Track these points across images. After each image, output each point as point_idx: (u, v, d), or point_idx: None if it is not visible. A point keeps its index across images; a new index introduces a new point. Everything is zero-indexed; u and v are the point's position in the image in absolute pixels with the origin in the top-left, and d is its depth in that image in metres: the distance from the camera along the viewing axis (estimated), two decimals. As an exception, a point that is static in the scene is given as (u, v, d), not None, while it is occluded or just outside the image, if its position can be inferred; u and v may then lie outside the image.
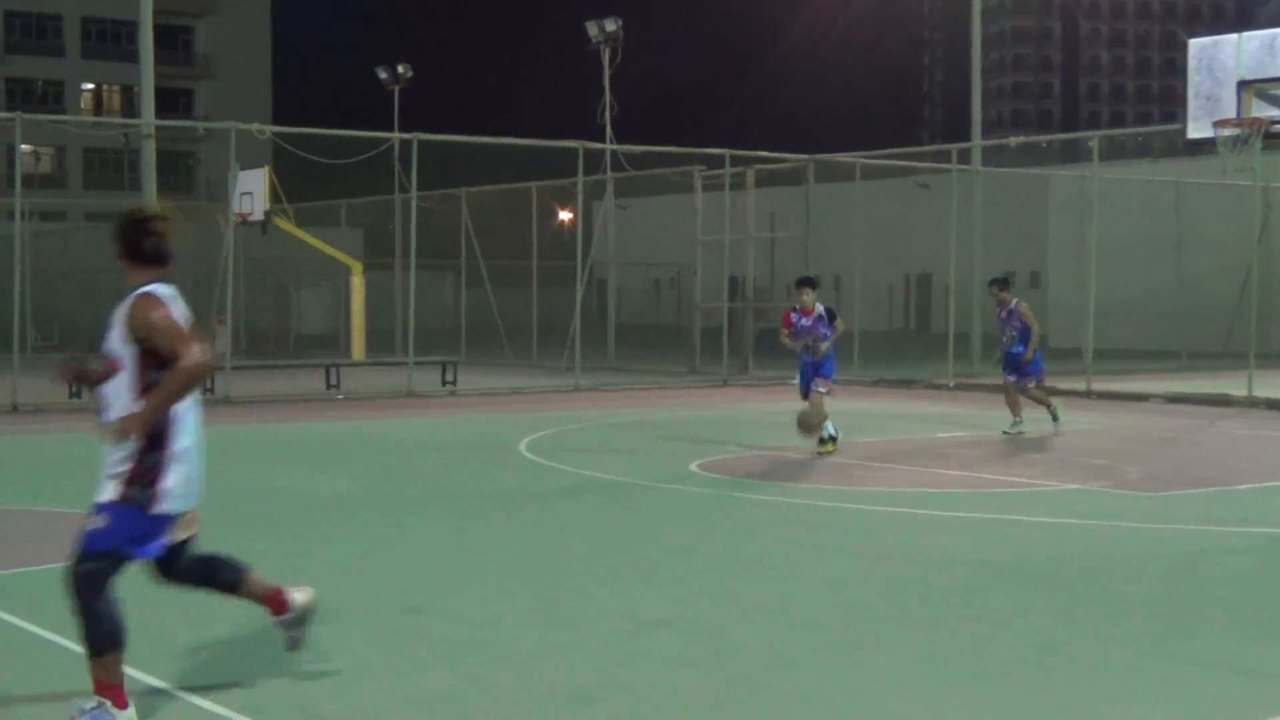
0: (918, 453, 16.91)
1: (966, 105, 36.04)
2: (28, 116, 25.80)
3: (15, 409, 22.64)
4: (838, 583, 9.18)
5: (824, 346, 16.35)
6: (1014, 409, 18.84)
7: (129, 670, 6.13)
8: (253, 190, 29.56)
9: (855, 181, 33.08)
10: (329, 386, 27.20)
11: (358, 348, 33.37)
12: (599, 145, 33.08)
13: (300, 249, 37.09)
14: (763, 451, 16.91)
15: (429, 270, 37.57)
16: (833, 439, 16.31)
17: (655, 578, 9.37)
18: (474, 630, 7.82)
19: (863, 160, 33.25)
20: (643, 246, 45.66)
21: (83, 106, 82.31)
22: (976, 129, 34.99)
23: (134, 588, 6.50)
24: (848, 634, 7.78)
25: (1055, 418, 19.07)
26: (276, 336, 43.77)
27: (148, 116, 27.45)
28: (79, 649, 5.97)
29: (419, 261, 28.81)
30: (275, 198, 30.40)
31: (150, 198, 25.66)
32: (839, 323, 16.58)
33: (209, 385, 24.78)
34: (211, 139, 71.03)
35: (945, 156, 33.46)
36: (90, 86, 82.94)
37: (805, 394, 16.53)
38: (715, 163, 33.65)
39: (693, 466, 15.34)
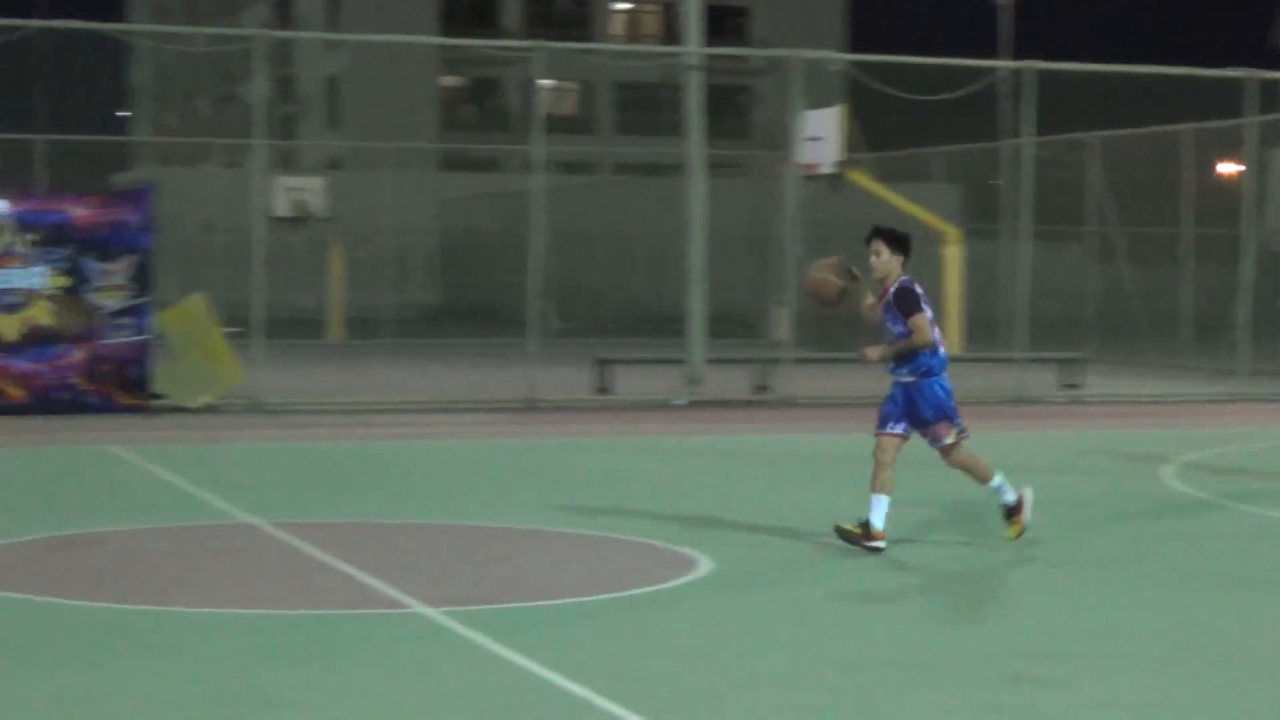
0: None
1: None
2: (549, 46, 27.35)
3: (532, 406, 24.14)
4: None
5: (871, 352, 12.44)
6: None
7: None
8: (822, 135, 30.14)
9: None
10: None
11: (952, 337, 33.62)
12: (1275, 74, 31.92)
13: (880, 210, 37.67)
14: None
15: (1046, 240, 37.34)
16: (1011, 512, 12.51)
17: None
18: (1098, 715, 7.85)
19: None
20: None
21: (613, 32, 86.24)
22: None
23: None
24: None
25: None
26: (850, 322, 44.49)
27: (693, 44, 28.41)
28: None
29: (1033, 229, 28.70)
30: (851, 145, 30.96)
31: (695, 144, 26.76)
32: (915, 321, 12.11)
33: (768, 384, 25.63)
34: (771, 72, 73.11)
35: None
36: (624, 7, 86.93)
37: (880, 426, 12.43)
38: None
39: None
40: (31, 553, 11.99)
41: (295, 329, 34.81)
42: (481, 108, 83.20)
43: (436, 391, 25.99)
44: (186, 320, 23.43)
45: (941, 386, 12.24)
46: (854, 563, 11.82)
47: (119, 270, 22.11)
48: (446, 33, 72.92)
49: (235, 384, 23.18)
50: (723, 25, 78.01)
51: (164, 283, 24.61)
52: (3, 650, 8.91)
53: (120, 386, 22.16)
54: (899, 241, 12.44)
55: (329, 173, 55.19)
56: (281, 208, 38.62)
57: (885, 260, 12.36)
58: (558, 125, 59.05)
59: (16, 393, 21.79)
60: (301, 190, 40.98)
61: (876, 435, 12.31)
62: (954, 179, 47.11)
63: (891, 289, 12.24)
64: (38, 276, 21.91)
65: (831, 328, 42.65)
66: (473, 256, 54.88)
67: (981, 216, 44.04)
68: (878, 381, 28.00)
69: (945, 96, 29.16)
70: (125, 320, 22.13)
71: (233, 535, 12.87)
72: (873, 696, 8.13)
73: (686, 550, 12.07)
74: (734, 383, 25.87)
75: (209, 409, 22.77)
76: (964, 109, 32.00)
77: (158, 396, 22.30)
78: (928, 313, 12.14)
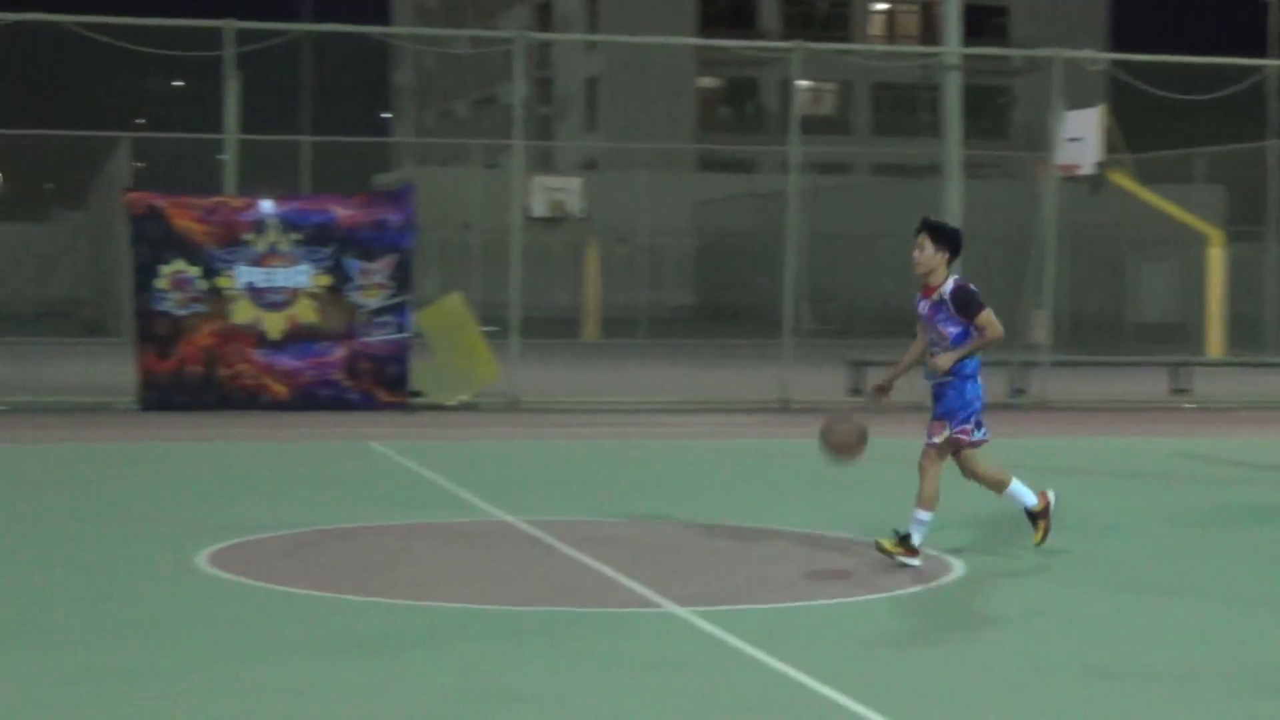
0: None
1: None
2: (807, 46, 27.30)
3: (786, 407, 24.13)
4: None
5: (943, 360, 11.69)
6: None
7: None
8: (1082, 136, 29.74)
9: None
10: (1175, 391, 27.02)
11: (1215, 342, 32.89)
12: None
13: (1141, 212, 37.01)
14: None
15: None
16: (1039, 517, 12.10)
17: None
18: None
19: None
20: None
21: (872, 32, 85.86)
22: None
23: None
24: None
25: None
26: (1107, 324, 43.92)
27: (952, 44, 28.19)
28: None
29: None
30: (1111, 146, 30.47)
31: (952, 145, 26.53)
32: (985, 319, 11.63)
33: (1024, 387, 25.32)
34: (1031, 71, 72.22)
35: None
36: (882, 7, 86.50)
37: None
38: None
39: None
40: (293, 546, 12.27)
41: (551, 328, 35.25)
42: (738, 108, 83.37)
43: (690, 391, 26.11)
44: (445, 319, 23.80)
45: (970, 388, 11.84)
46: (1110, 569, 11.64)
47: (380, 269, 22.54)
48: (704, 33, 73.21)
49: (492, 382, 23.49)
50: (982, 25, 77.23)
51: (423, 282, 25.07)
52: (263, 641, 9.14)
53: (380, 384, 22.59)
54: (945, 237, 11.80)
55: (586, 173, 55.76)
56: (539, 208, 39.11)
57: (929, 255, 11.71)
58: (815, 126, 59.09)
59: (280, 389, 22.33)
60: (559, 190, 41.46)
61: (925, 445, 11.96)
62: (1218, 180, 46.08)
63: (945, 289, 11.65)
64: (301, 275, 22.42)
65: (1090, 331, 42.02)
66: (728, 257, 55.07)
67: (1245, 218, 43.00)
68: (1139, 385, 27.55)
69: (1210, 96, 28.54)
70: (385, 319, 22.55)
71: (488, 532, 13.05)
72: (1131, 705, 7.98)
73: (938, 553, 11.97)
74: (989, 386, 25.51)
75: (466, 407, 23.12)
76: (1229, 109, 31.29)
77: (416, 394, 22.68)
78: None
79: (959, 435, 11.78)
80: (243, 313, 22.30)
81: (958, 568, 11.54)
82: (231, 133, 23.59)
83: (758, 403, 24.56)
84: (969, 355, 11.69)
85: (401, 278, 22.67)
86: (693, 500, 15.17)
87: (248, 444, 19.38)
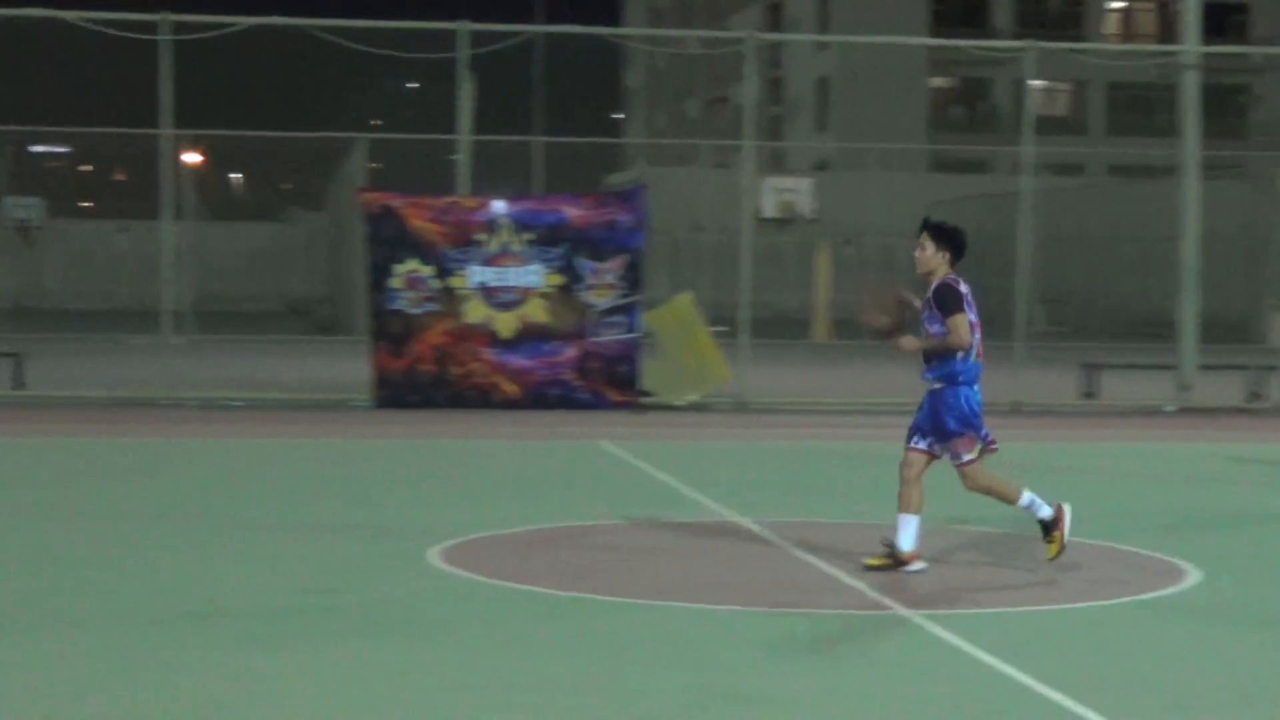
0: None
1: None
2: (1041, 46, 26.96)
3: (1018, 409, 23.82)
4: None
5: (907, 342, 11.64)
6: None
7: None
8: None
9: None
10: None
11: None
12: None
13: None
14: None
15: None
16: (1049, 528, 11.52)
17: None
18: None
19: None
20: None
21: (1107, 31, 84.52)
22: None
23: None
24: None
25: None
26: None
27: (1191, 42, 27.67)
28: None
29: None
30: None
31: (1190, 145, 26.00)
32: (955, 321, 11.32)
33: (1262, 392, 24.80)
34: (1271, 70, 70.65)
35: None
36: (1118, 6, 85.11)
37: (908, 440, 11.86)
38: None
39: None
40: (525, 544, 12.39)
41: (780, 328, 35.20)
42: (971, 109, 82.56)
43: (920, 393, 25.90)
44: (675, 319, 23.87)
45: (968, 397, 11.53)
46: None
47: (611, 269, 22.68)
48: (937, 33, 72.58)
49: (721, 383, 23.51)
50: (1221, 23, 75.53)
51: (653, 282, 25.15)
52: (501, 639, 9.23)
53: (610, 383, 22.73)
54: (946, 237, 11.65)
55: (816, 174, 55.63)
56: (769, 208, 39.08)
57: (929, 255, 11.60)
58: (1048, 126, 58.26)
59: (511, 388, 22.57)
60: (790, 191, 41.42)
61: (905, 450, 11.73)
62: None
63: (932, 287, 11.52)
64: (533, 275, 22.64)
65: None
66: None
67: None
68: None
69: None
70: (616, 318, 22.68)
71: (719, 532, 13.07)
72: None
73: (1173, 559, 11.75)
74: (1226, 390, 25.08)
75: (695, 407, 23.18)
76: None
77: (646, 394, 22.78)
78: (970, 315, 11.42)
79: (990, 447, 11.66)
80: (475, 312, 22.57)
81: (1192, 574, 11.30)
82: (465, 134, 23.90)
83: (988, 405, 24.21)
84: (931, 352, 11.46)
85: (632, 278, 22.79)
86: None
87: (479, 442, 19.60)
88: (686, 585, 10.80)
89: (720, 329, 24.33)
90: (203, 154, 50.61)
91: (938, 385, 11.51)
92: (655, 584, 10.81)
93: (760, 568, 11.57)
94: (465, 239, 22.59)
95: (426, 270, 22.54)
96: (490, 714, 7.62)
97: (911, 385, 27.66)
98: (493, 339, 22.58)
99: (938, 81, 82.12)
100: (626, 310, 22.74)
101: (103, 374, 26.45)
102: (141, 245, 46.45)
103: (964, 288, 11.42)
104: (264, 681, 8.12)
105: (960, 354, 11.37)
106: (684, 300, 24.31)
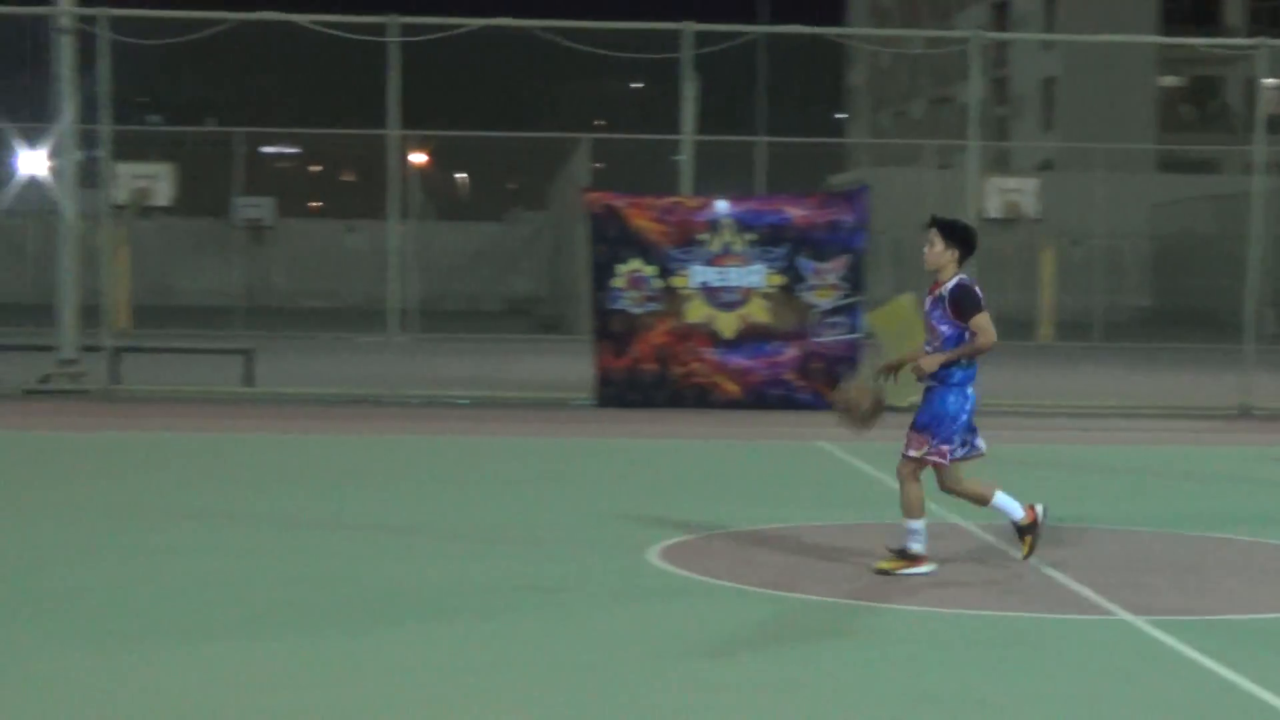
0: None
1: None
2: (1272, 44, 26.41)
3: (1246, 413, 23.38)
4: None
5: (927, 362, 11.51)
6: None
7: None
8: None
9: None
10: None
11: None
12: None
13: None
14: None
15: None
16: (1026, 531, 11.44)
17: None
18: None
19: None
20: None
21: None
22: None
23: None
24: None
25: None
26: None
27: None
28: None
29: None
30: None
31: None
32: (979, 321, 11.29)
33: None
34: None
35: None
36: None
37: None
38: None
39: None
40: (743, 544, 12.44)
41: (1004, 329, 34.74)
42: (1200, 107, 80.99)
43: (1145, 396, 25.53)
44: (896, 320, 23.67)
45: (954, 399, 11.39)
46: None
47: (833, 270, 22.65)
48: (1166, 31, 71.34)
49: (942, 384, 23.34)
50: None
51: (875, 282, 25.06)
52: (715, 638, 9.30)
53: (831, 384, 22.67)
54: (956, 234, 11.47)
55: (1042, 174, 54.92)
56: (994, 209, 38.67)
57: (938, 253, 11.46)
58: (1276, 124, 56.89)
59: (732, 388, 22.63)
60: (1015, 191, 40.87)
61: (902, 456, 11.50)
62: None
63: (946, 286, 11.36)
64: (755, 275, 22.68)
65: None
66: (1186, 259, 53.63)
67: None
68: None
69: None
70: (837, 319, 22.65)
71: (938, 534, 12.98)
72: None
73: None
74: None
75: (915, 408, 23.03)
76: None
77: (867, 394, 22.69)
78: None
79: (934, 457, 11.28)
80: (696, 311, 22.67)
81: None
82: (688, 134, 24.00)
83: (1216, 409, 23.89)
84: (957, 359, 11.33)
85: (853, 278, 22.75)
86: (1141, 506, 14.86)
87: (700, 442, 19.68)
88: (907, 587, 10.77)
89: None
90: (429, 154, 51.38)
91: (931, 384, 11.44)
92: (874, 586, 10.80)
93: (980, 570, 11.50)
94: (688, 239, 22.70)
95: (649, 270, 22.69)
96: (694, 714, 7.68)
97: (1135, 389, 27.26)
98: (714, 339, 22.66)
99: (1166, 80, 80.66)
100: (848, 311, 22.70)
101: (329, 371, 27.03)
102: (369, 244, 47.28)
103: (979, 288, 11.42)
104: (480, 671, 8.26)
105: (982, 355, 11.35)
106: (906, 301, 24.10)
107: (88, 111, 24.41)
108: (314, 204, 76.21)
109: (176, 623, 9.31)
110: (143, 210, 37.89)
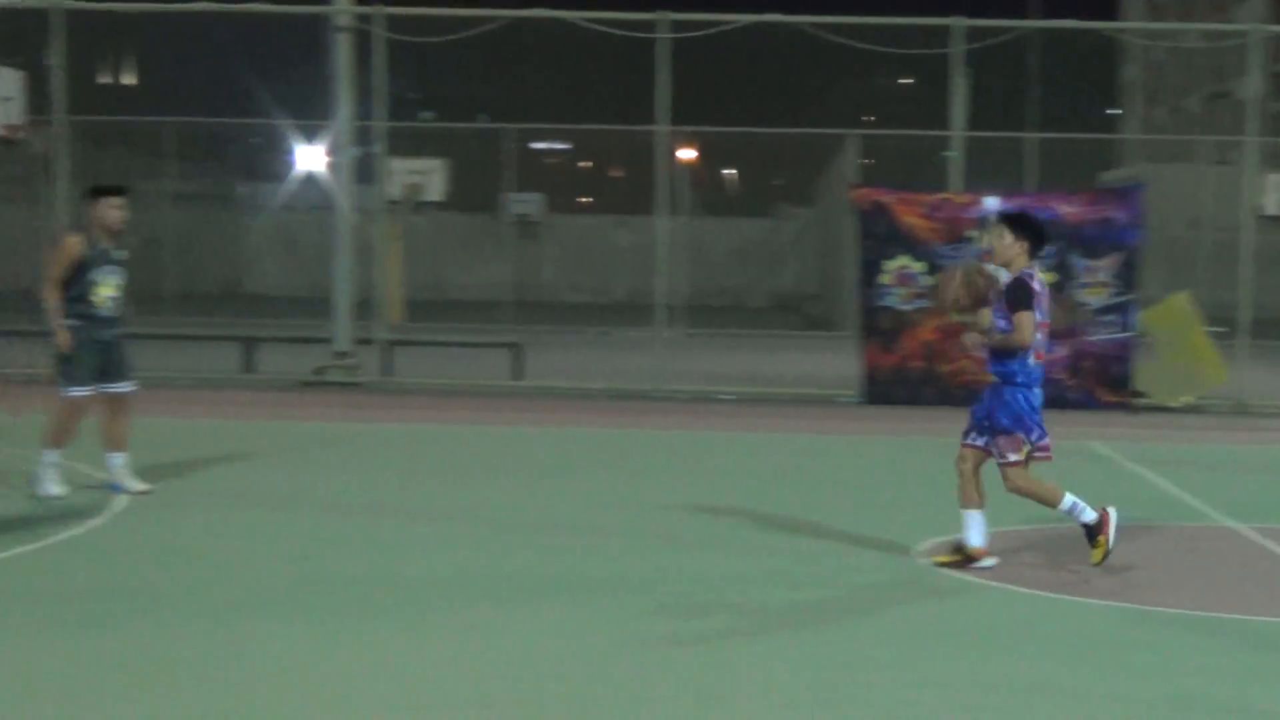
0: None
1: None
2: None
3: None
4: None
5: (971, 336, 11.41)
6: None
7: None
8: None
9: None
10: None
11: None
12: None
13: None
14: None
15: None
16: (1097, 533, 11.27)
17: None
18: None
19: None
20: None
21: None
22: None
23: None
24: None
25: None
26: None
27: None
28: None
29: None
30: None
31: None
32: (1020, 318, 11.03)
33: None
34: None
35: None
36: None
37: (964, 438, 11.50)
38: None
39: None
40: (1013, 543, 12.31)
41: (1281, 331, 33.88)
42: None
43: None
44: (1170, 319, 23.29)
45: (1026, 399, 11.12)
46: None
47: (1105, 267, 22.29)
48: None
49: (1218, 384, 22.87)
50: None
51: (1149, 280, 24.60)
52: (973, 637, 9.24)
53: (1102, 383, 22.34)
54: (1024, 227, 11.29)
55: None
56: (1272, 206, 37.72)
57: (1007, 245, 11.27)
58: None
59: (1002, 386, 22.36)
60: (1293, 186, 39.81)
61: (960, 445, 11.45)
62: None
63: (1007, 280, 11.20)
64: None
65: None
66: None
67: None
68: None
69: None
70: (1109, 317, 22.28)
71: (1212, 538, 12.76)
72: None
73: None
74: None
75: (1191, 409, 22.59)
76: None
77: (1139, 394, 22.32)
78: (1037, 315, 10.92)
79: (1039, 453, 11.34)
80: (966, 310, 22.45)
81: None
82: (958, 130, 23.80)
83: None
84: (993, 345, 11.12)
85: (1127, 276, 22.36)
86: None
87: (965, 440, 19.47)
88: (1181, 591, 10.59)
89: (1218, 329, 23.63)
90: (697, 150, 51.59)
91: (996, 382, 11.22)
92: (1147, 589, 10.64)
93: (1256, 575, 11.26)
94: (957, 236, 22.50)
95: (918, 266, 22.54)
96: (965, 714, 7.63)
97: None
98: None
99: None
100: (1121, 309, 22.31)
101: (597, 366, 27.26)
102: (636, 240, 47.64)
103: (1039, 284, 11.16)
104: (732, 670, 8.29)
105: (1019, 353, 11.07)
106: (1181, 299, 23.70)
107: (363, 108, 24.97)
108: (583, 200, 76.97)
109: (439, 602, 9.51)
110: (416, 205, 38.66)
